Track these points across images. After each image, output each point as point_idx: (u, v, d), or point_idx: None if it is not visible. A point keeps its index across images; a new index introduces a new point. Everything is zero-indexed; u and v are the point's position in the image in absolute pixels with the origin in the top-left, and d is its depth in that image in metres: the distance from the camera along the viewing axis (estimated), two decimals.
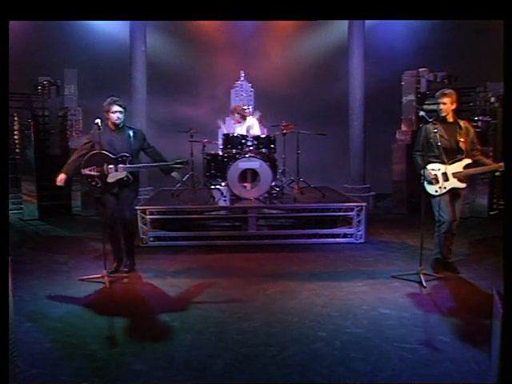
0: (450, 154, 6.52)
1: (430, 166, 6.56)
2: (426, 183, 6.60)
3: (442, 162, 6.53)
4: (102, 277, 6.48)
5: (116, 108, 6.66)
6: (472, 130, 6.68)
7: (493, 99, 10.95)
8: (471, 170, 6.58)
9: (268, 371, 4.20)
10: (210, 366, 4.31)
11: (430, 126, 6.56)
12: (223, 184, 9.84)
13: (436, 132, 6.48)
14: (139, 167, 6.94)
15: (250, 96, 12.54)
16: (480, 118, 11.14)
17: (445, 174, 6.52)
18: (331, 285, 6.37)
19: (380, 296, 5.97)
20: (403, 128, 11.54)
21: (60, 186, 6.97)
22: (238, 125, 10.03)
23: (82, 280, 6.58)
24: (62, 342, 4.76)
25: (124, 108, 6.76)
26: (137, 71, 11.75)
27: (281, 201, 9.34)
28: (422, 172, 6.58)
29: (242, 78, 12.48)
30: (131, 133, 6.83)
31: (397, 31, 11.77)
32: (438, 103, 6.54)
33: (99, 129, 6.46)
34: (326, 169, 12.17)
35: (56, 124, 12.03)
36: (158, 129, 11.91)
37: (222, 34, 12.40)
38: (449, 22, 10.58)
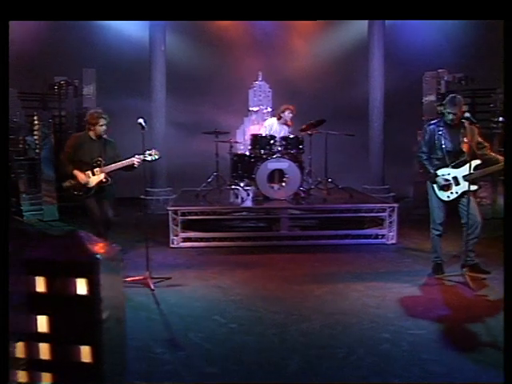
0: (453, 157, 6.43)
1: (439, 172, 6.47)
2: (437, 189, 6.54)
3: (445, 165, 6.45)
4: (145, 278, 6.40)
5: (103, 121, 7.16)
6: (476, 130, 6.46)
7: None
8: (482, 171, 6.38)
9: (343, 373, 4.15)
10: (284, 367, 4.25)
11: (434, 128, 6.51)
12: (242, 184, 9.80)
13: (441, 134, 6.43)
14: (113, 167, 7.14)
15: (269, 97, 12.51)
16: (500, 119, 11.14)
17: (455, 178, 6.44)
18: (377, 286, 6.33)
19: (431, 297, 5.95)
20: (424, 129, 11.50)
21: None
22: (284, 126, 9.91)
23: (124, 281, 6.48)
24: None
25: (108, 121, 7.27)
26: (156, 71, 11.65)
27: (308, 201, 9.28)
28: (432, 176, 6.50)
29: (260, 79, 12.45)
30: (106, 142, 7.29)
31: (417, 31, 11.73)
32: (449, 112, 6.44)
33: (143, 128, 6.43)
34: (345, 169, 12.09)
35: (73, 124, 11.91)
36: (177, 129, 11.88)
37: (242, 34, 12.35)
38: (469, 22, 10.62)
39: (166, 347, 4.66)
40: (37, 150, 10.76)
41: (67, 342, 2.76)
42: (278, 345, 4.69)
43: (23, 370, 2.76)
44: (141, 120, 6.47)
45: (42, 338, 2.80)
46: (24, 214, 10.70)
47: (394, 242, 8.49)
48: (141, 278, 6.45)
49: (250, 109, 12.36)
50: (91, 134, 7.21)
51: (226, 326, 5.14)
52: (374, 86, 11.82)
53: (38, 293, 2.81)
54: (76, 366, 2.73)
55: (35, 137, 10.70)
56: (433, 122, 6.68)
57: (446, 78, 11.76)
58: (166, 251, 8.16)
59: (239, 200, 9.41)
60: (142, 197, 11.93)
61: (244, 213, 9.10)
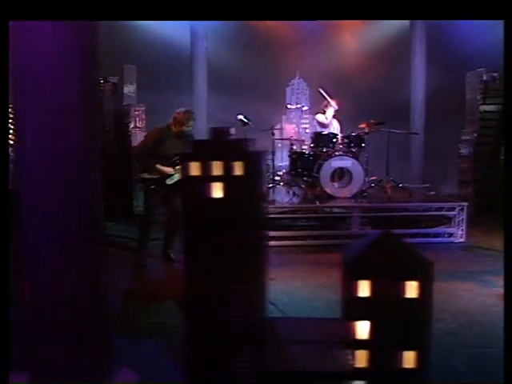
0: None
1: None
2: None
3: None
4: None
5: (192, 123, 7.06)
6: None
7: None
8: None
9: None
10: (451, 367, 4.19)
11: None
12: (282, 184, 9.71)
13: None
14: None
15: (306, 95, 12.46)
16: None
17: None
18: (482, 284, 6.30)
19: None
20: (467, 128, 11.57)
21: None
22: (335, 120, 9.88)
23: None
24: None
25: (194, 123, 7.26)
26: (198, 67, 11.52)
27: (369, 200, 9.22)
28: None
29: (298, 77, 12.40)
30: (188, 139, 7.01)
31: (460, 29, 11.73)
32: None
33: (245, 124, 6.34)
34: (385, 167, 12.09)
35: (111, 122, 11.67)
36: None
37: (284, 32, 12.22)
38: None
39: None
40: None
41: (390, 347, 2.64)
42: None
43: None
44: (241, 116, 6.36)
45: (361, 344, 2.68)
46: None
47: (462, 240, 8.47)
48: None
49: (289, 107, 12.26)
50: (175, 130, 7.03)
51: None
52: (416, 84, 11.84)
53: (361, 298, 2.68)
54: (397, 372, 2.61)
55: None
56: None
57: (484, 78, 11.83)
58: None
59: (299, 198, 9.28)
60: None
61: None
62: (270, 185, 9.71)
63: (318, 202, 9.09)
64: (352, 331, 2.69)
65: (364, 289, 2.69)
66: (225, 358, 2.87)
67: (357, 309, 2.71)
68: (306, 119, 12.33)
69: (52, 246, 3.17)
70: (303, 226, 8.96)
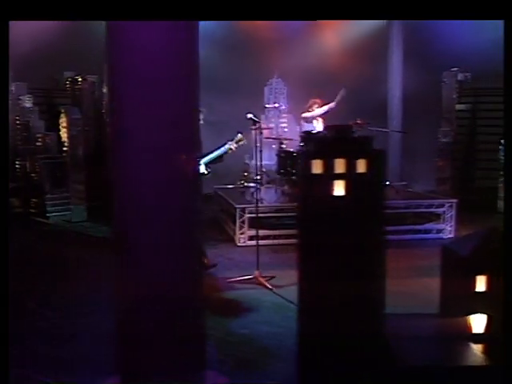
0: None
1: None
2: None
3: None
4: (256, 277, 6.26)
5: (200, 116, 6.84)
6: None
7: None
8: None
9: None
10: None
11: None
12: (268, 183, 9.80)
13: None
14: (210, 158, 6.77)
15: (283, 94, 12.52)
16: None
17: None
18: None
19: None
20: (444, 126, 11.86)
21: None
22: (317, 121, 9.93)
23: (232, 282, 6.35)
24: None
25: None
26: None
27: None
28: None
29: (276, 76, 12.44)
30: None
31: (436, 30, 11.97)
32: None
33: (255, 123, 6.33)
34: None
35: (91, 121, 11.47)
36: (203, 126, 11.65)
37: (264, 30, 12.19)
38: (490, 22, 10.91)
39: None
40: (64, 148, 10.28)
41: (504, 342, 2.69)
42: None
43: None
44: (251, 115, 6.34)
45: (478, 338, 2.72)
46: (48, 215, 10.24)
47: (451, 236, 8.67)
48: (250, 277, 6.31)
49: (267, 106, 12.27)
50: None
51: None
52: (393, 83, 12.05)
53: (478, 292, 2.73)
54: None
55: (64, 134, 10.24)
56: None
57: (458, 78, 12.15)
58: (235, 249, 8.01)
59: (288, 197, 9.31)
60: None
61: None
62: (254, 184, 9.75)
63: None
64: (469, 326, 2.75)
65: (481, 284, 2.76)
66: (349, 355, 2.88)
67: (474, 303, 2.78)
68: (285, 118, 12.37)
69: (155, 243, 3.15)
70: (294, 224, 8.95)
